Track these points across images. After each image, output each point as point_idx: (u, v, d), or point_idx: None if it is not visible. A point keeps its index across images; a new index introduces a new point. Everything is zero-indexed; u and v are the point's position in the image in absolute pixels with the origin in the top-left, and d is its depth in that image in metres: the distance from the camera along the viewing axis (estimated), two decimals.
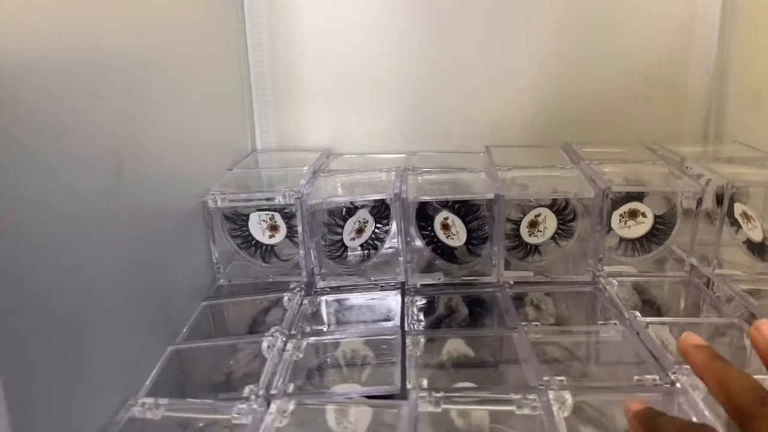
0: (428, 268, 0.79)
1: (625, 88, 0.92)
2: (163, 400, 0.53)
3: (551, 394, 0.53)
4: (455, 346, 0.67)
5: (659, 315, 0.70)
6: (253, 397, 0.54)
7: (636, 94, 0.92)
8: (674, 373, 0.55)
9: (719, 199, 0.73)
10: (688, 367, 0.40)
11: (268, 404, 0.53)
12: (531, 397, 0.53)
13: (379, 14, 0.91)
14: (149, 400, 0.53)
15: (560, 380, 0.55)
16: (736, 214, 0.71)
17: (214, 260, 0.76)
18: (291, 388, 0.56)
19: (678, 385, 0.54)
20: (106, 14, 0.53)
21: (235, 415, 0.51)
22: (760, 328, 0.37)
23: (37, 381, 0.42)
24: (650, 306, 0.73)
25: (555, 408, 0.52)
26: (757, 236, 0.71)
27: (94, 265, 0.50)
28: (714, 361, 0.38)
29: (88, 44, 0.50)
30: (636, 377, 0.56)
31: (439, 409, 0.53)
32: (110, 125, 0.53)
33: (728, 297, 0.69)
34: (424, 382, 0.56)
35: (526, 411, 0.52)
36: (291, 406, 0.52)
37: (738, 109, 0.88)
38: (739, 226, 0.71)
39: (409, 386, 0.55)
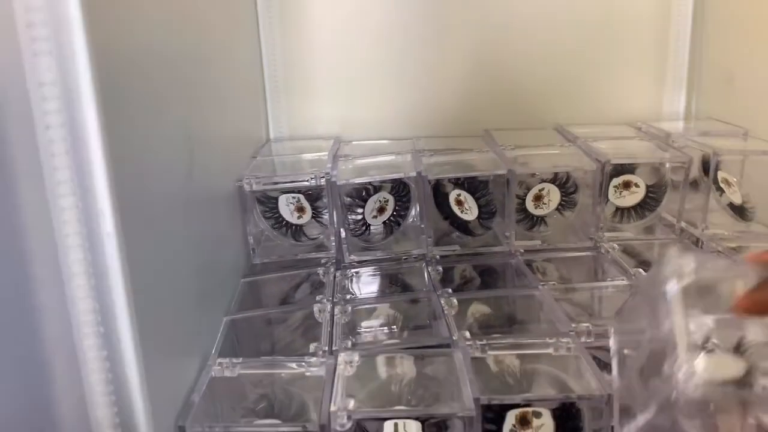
0: (445, 241, 0.86)
1: (609, 72, 1.01)
2: (237, 359, 0.58)
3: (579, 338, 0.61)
4: (478, 308, 0.74)
5: None
6: (320, 352, 0.59)
7: (619, 77, 1.01)
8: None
9: (705, 168, 0.82)
10: None
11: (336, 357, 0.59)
12: (565, 340, 0.60)
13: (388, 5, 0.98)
14: (225, 360, 0.58)
15: (586, 326, 0.63)
16: (719, 181, 0.81)
17: (250, 240, 0.81)
18: (349, 344, 0.62)
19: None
20: (175, 19, 0.59)
21: (309, 369, 0.57)
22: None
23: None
24: (647, 266, 0.81)
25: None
26: (737, 199, 0.81)
27: (169, 242, 0.55)
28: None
29: (172, 44, 0.55)
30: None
31: (484, 355, 0.60)
32: (184, 115, 0.58)
33: (714, 251, 0.79)
34: (467, 334, 0.63)
35: (562, 352, 0.60)
36: (356, 357, 0.58)
37: (712, 88, 0.98)
38: (722, 191, 0.81)
39: (455, 337, 0.62)
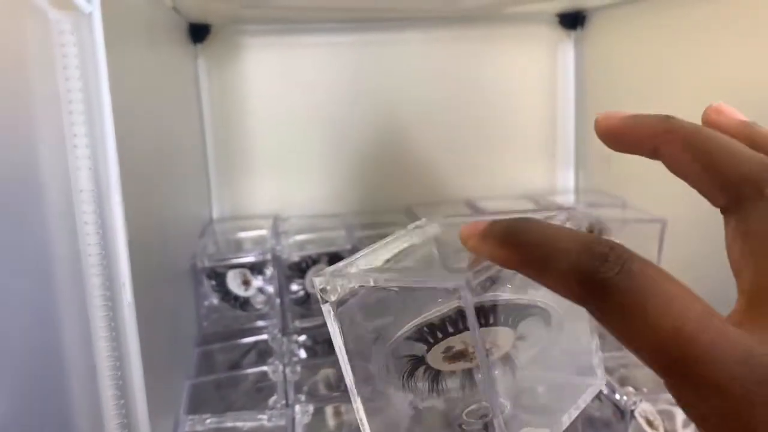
0: None
1: (510, 152, 1.18)
2: (205, 415, 0.66)
3: None
4: None
5: None
6: (278, 405, 0.68)
7: (519, 156, 1.18)
8: None
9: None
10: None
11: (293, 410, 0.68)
12: None
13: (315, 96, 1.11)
14: (194, 416, 0.66)
15: None
16: None
17: (201, 312, 0.89)
18: (302, 397, 0.71)
19: None
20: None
21: (271, 419, 0.65)
22: (720, 109, 0.29)
23: None
24: None
25: None
26: None
27: (155, 311, 0.63)
28: (676, 123, 0.27)
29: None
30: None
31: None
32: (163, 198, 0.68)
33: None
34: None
35: None
36: (310, 408, 0.67)
37: (595, 165, 1.16)
38: None
39: None
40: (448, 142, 1.17)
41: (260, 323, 0.92)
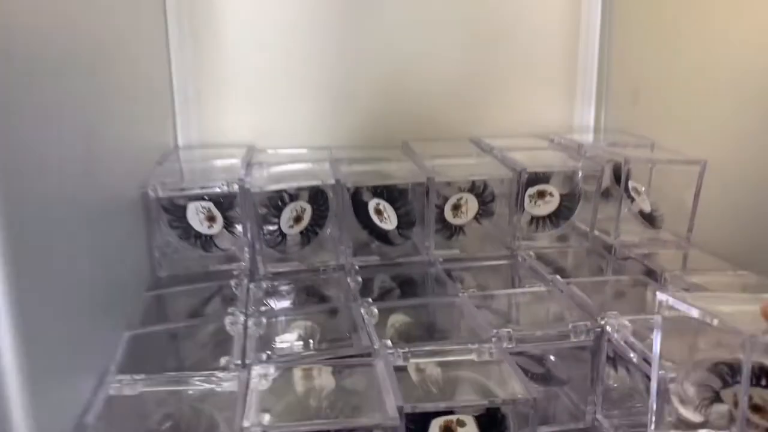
0: (364, 251, 0.83)
1: (521, 86, 1.03)
2: (139, 376, 0.53)
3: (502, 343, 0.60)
4: (399, 318, 0.72)
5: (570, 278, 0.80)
6: (232, 366, 0.55)
7: (531, 91, 1.03)
8: (602, 319, 0.64)
9: (616, 177, 0.84)
10: None
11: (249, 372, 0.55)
12: (487, 346, 0.59)
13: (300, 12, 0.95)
14: (125, 377, 0.53)
15: (508, 331, 0.62)
16: (630, 189, 0.83)
17: (156, 252, 0.76)
18: (264, 357, 0.58)
19: (608, 328, 0.62)
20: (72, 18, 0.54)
21: (220, 384, 0.53)
22: None
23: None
24: (562, 273, 0.82)
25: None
26: (646, 207, 0.83)
27: (60, 251, 0.49)
28: None
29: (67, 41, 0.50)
30: (570, 324, 0.64)
31: (407, 363, 0.58)
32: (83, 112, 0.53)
33: (626, 258, 0.81)
34: (389, 342, 0.60)
35: (486, 357, 0.58)
36: (271, 370, 0.55)
37: (620, 103, 1.02)
38: (633, 199, 0.83)
39: (376, 346, 0.59)
40: (451, 72, 1.02)
41: (225, 266, 0.78)
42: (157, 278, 0.76)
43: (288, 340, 0.66)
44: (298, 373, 0.57)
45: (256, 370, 0.54)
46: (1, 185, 0.38)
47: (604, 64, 1.03)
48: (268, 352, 0.59)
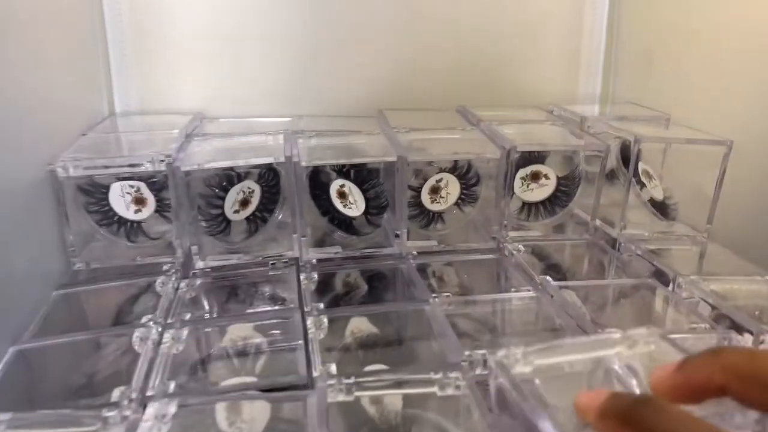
0: (323, 241, 0.71)
1: (518, 49, 0.89)
2: (4, 416, 0.41)
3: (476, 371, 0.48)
4: (359, 325, 0.60)
5: (566, 279, 0.67)
6: (125, 401, 0.43)
7: (528, 53, 0.89)
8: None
9: (623, 158, 0.71)
10: None
11: (144, 408, 0.43)
12: (453, 375, 0.47)
13: None
14: None
15: (482, 354, 0.50)
16: (640, 173, 0.70)
17: (68, 241, 0.63)
18: (172, 387, 0.46)
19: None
20: None
21: (101, 426, 0.41)
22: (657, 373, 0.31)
23: None
24: (556, 270, 0.70)
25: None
26: (658, 195, 0.71)
27: None
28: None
29: None
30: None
31: (351, 397, 0.46)
32: None
33: (632, 256, 0.68)
34: (333, 368, 0.48)
35: (450, 391, 0.47)
36: (172, 409, 0.43)
37: (630, 71, 0.87)
38: (643, 185, 0.70)
39: (316, 374, 0.48)
40: (435, 29, 0.87)
41: (157, 259, 0.66)
42: (74, 273, 0.64)
43: (216, 359, 0.54)
44: (221, 411, 0.45)
45: (152, 410, 0.42)
46: None
47: (614, 21, 0.89)
48: (178, 381, 0.47)
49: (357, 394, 0.46)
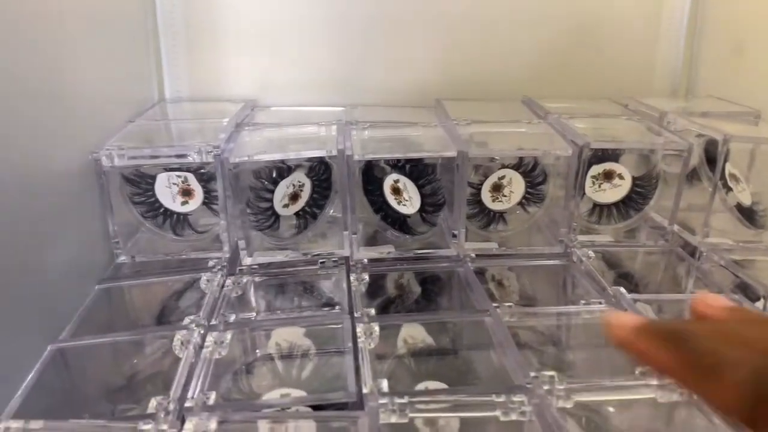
0: (375, 240, 0.67)
1: (589, 35, 0.82)
2: (35, 424, 0.39)
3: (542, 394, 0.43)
4: (412, 332, 0.56)
5: (639, 289, 0.61)
6: (162, 414, 0.40)
7: (602, 41, 0.82)
8: None
9: (708, 158, 0.65)
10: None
11: (183, 422, 0.40)
12: (517, 399, 0.42)
13: None
14: (16, 424, 0.39)
15: (551, 376, 0.45)
16: (726, 175, 0.63)
17: (112, 233, 0.61)
18: (212, 398, 0.43)
19: None
20: None
21: None
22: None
23: None
24: (628, 280, 0.64)
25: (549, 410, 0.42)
26: (746, 200, 0.64)
27: None
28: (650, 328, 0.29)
29: None
30: (639, 369, 0.46)
31: (405, 419, 0.42)
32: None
33: (714, 266, 0.62)
34: (384, 385, 0.44)
35: (513, 417, 0.42)
36: (212, 425, 0.39)
37: (714, 60, 0.80)
38: (729, 189, 0.63)
39: (365, 390, 0.43)
40: (499, 17, 0.81)
41: (202, 254, 0.63)
42: (118, 266, 0.62)
43: (259, 367, 0.51)
44: (264, 427, 0.42)
45: (191, 425, 0.39)
46: None
47: (697, 7, 0.81)
48: (220, 392, 0.44)
49: (411, 415, 0.42)
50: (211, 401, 0.42)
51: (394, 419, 0.41)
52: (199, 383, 0.44)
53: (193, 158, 0.59)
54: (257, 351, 0.53)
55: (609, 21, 0.82)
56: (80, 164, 0.57)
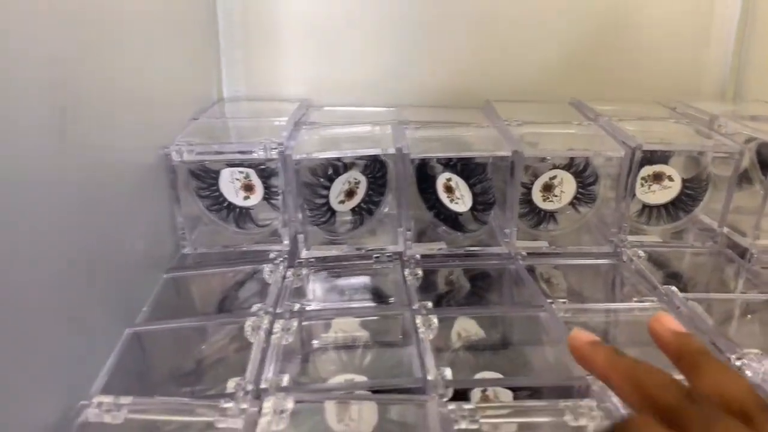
0: (426, 237, 0.69)
1: (636, 38, 0.83)
2: (125, 399, 0.42)
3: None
4: (466, 326, 0.57)
5: (688, 289, 0.62)
6: (240, 393, 0.43)
7: (649, 42, 0.83)
8: (739, 358, 0.47)
9: (760, 161, 0.65)
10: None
11: (260, 401, 0.42)
12: (585, 404, 0.43)
13: None
14: (107, 399, 0.41)
15: None
16: None
17: (179, 224, 0.64)
18: (285, 380, 0.45)
19: (748, 373, 0.46)
20: None
21: (221, 418, 0.40)
22: (660, 319, 0.32)
23: None
24: (677, 280, 0.65)
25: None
26: None
27: (33, 231, 0.38)
28: (619, 357, 0.30)
29: None
30: None
31: (473, 406, 0.43)
32: (57, 62, 0.41)
33: (765, 268, 0.62)
34: (448, 372, 0.46)
35: (583, 422, 0.43)
36: (290, 404, 0.42)
37: (763, 64, 0.80)
38: None
39: (430, 377, 0.45)
40: (549, 16, 0.83)
41: (262, 247, 0.66)
42: (183, 257, 0.65)
43: (323, 352, 0.53)
44: (331, 408, 0.44)
45: (270, 404, 0.41)
46: None
47: (749, 9, 0.82)
48: (291, 375, 0.46)
49: (482, 421, 0.43)
50: (284, 383, 0.45)
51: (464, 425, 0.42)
52: (272, 367, 0.46)
53: (258, 154, 0.62)
54: (318, 339, 0.55)
55: (657, 25, 0.83)
56: (150, 159, 0.60)
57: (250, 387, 0.43)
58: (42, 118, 0.39)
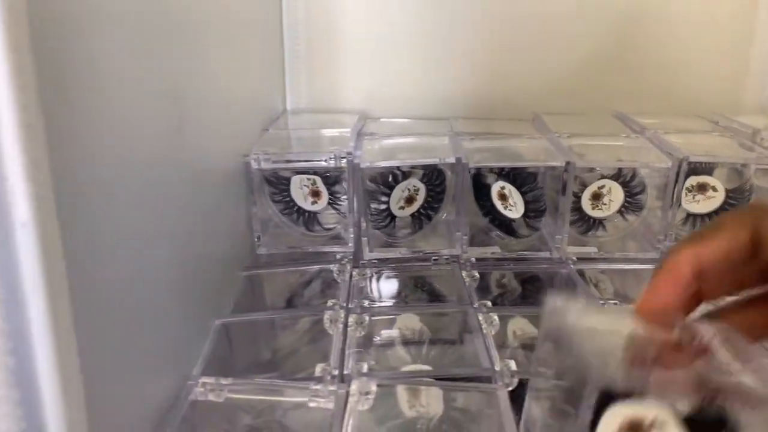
0: (480, 242, 0.73)
1: (676, 52, 0.87)
2: (225, 380, 0.47)
3: None
4: (520, 326, 0.62)
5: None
6: (328, 377, 0.47)
7: (690, 56, 0.87)
8: None
9: None
10: None
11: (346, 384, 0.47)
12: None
13: None
14: (210, 380, 0.47)
15: None
16: None
17: (255, 227, 0.69)
18: (365, 368, 0.50)
19: None
20: None
21: (314, 399, 0.45)
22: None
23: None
24: None
25: None
26: None
27: (154, 231, 0.43)
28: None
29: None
30: None
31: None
32: (172, 76, 0.46)
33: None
34: (512, 364, 0.50)
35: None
36: (373, 387, 0.46)
37: None
38: None
39: (497, 368, 0.50)
40: (595, 33, 0.87)
41: (327, 248, 0.71)
42: (257, 257, 0.70)
43: (392, 344, 0.57)
44: (402, 392, 0.48)
45: (356, 386, 0.46)
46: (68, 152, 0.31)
47: None
48: (370, 362, 0.51)
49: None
50: (364, 369, 0.49)
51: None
52: (352, 355, 0.51)
53: (329, 163, 0.67)
54: (384, 334, 0.59)
55: (697, 39, 0.86)
56: (232, 166, 0.65)
57: (335, 371, 0.48)
58: (163, 126, 0.45)
